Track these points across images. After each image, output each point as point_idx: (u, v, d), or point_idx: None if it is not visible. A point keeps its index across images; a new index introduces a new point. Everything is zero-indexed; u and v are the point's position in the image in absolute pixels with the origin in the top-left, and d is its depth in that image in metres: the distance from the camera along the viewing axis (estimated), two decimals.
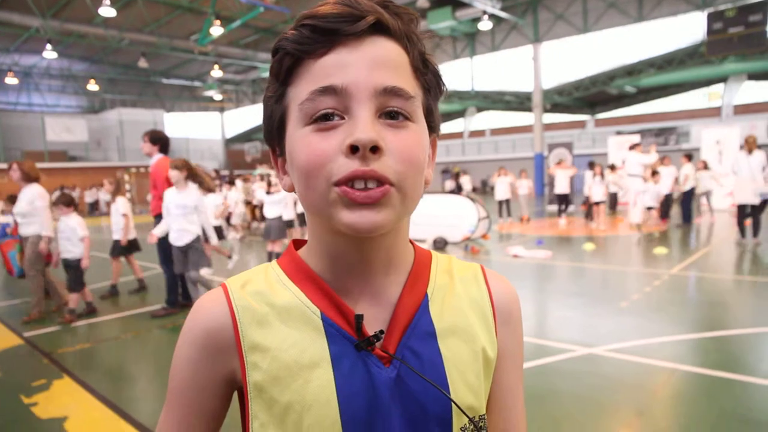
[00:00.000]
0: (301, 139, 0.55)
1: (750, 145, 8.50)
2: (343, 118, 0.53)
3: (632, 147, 12.17)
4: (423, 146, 0.57)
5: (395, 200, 0.54)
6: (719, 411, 2.98)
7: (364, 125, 0.52)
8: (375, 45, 0.55)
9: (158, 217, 5.48)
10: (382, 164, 0.52)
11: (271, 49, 0.59)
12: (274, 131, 0.61)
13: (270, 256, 7.66)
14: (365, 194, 0.51)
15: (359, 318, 0.58)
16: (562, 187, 12.82)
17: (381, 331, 0.58)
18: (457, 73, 29.74)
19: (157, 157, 5.43)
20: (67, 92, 35.21)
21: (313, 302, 0.60)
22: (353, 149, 0.51)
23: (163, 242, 5.42)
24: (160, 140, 5.48)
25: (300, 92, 0.55)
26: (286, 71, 0.57)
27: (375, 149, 0.51)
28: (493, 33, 26.64)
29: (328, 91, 0.53)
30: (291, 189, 0.61)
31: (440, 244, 9.31)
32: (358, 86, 0.53)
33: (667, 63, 21.78)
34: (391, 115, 0.54)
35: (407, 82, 0.56)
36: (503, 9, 22.47)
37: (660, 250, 8.25)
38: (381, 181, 0.52)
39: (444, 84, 0.63)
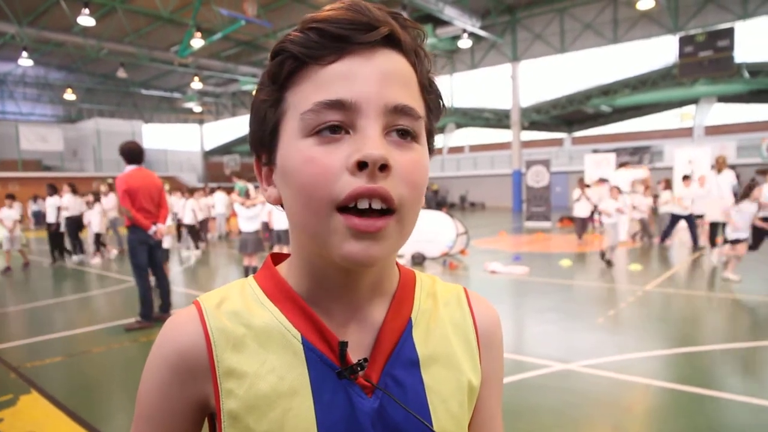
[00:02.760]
0: (301, 153, 0.51)
1: (719, 165, 8.76)
2: (348, 132, 0.50)
3: (621, 165, 12.39)
4: (426, 169, 0.54)
5: (393, 232, 0.51)
6: (692, 426, 3.03)
7: (373, 141, 0.48)
8: (386, 58, 0.52)
9: (129, 228, 5.39)
10: (388, 183, 0.49)
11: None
12: (265, 138, 0.56)
13: (246, 271, 7.60)
14: (368, 223, 0.49)
15: (343, 345, 0.55)
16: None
17: (365, 360, 0.55)
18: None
19: (129, 168, 5.33)
20: (42, 101, 34.61)
21: (293, 325, 0.56)
22: (361, 165, 0.48)
23: (135, 253, 5.34)
24: (123, 152, 5.34)
25: (301, 99, 0.51)
26: (287, 75, 0.53)
27: (383, 167, 0.48)
28: (472, 51, 27.03)
29: (336, 105, 0.49)
30: (276, 201, 0.57)
31: (418, 260, 9.32)
32: (369, 102, 0.50)
33: (641, 84, 22.34)
34: (399, 134, 0.52)
35: (416, 100, 0.53)
36: (482, 28, 22.83)
37: (635, 267, 8.39)
38: (386, 201, 0.49)
39: (444, 104, 0.60)
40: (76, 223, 11.13)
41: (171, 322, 0.59)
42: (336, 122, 0.50)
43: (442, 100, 0.59)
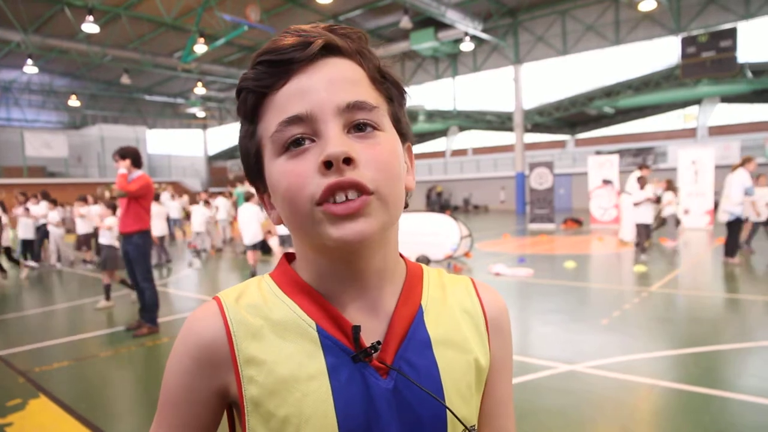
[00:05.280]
0: (278, 169, 0.57)
1: (738, 164, 8.63)
2: (314, 141, 0.55)
3: (640, 167, 12.40)
4: (396, 153, 0.59)
5: (376, 208, 0.55)
6: (699, 426, 3.03)
7: (333, 141, 0.54)
8: (329, 65, 0.57)
9: (129, 235, 5.27)
10: (357, 173, 0.54)
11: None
12: (252, 168, 0.62)
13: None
14: (345, 206, 0.53)
15: (356, 329, 0.58)
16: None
17: (378, 342, 0.59)
18: (440, 93, 30.10)
19: (138, 173, 5.27)
20: (47, 107, 34.81)
21: (308, 315, 0.60)
22: (327, 165, 0.53)
23: (147, 259, 5.38)
24: (130, 154, 5.19)
25: (269, 126, 0.57)
26: (251, 109, 0.59)
27: (348, 161, 0.53)
28: (474, 54, 27.08)
29: (294, 120, 0.55)
30: (280, 222, 0.62)
31: (422, 262, 9.30)
32: (322, 108, 0.55)
33: (644, 85, 22.32)
34: (359, 128, 0.56)
35: (368, 94, 0.58)
36: (484, 31, 22.87)
37: (640, 268, 8.37)
38: (359, 188, 0.54)
39: (406, 92, 0.65)
40: None
41: (193, 316, 0.62)
42: (300, 135, 0.56)
43: (401, 87, 0.64)
